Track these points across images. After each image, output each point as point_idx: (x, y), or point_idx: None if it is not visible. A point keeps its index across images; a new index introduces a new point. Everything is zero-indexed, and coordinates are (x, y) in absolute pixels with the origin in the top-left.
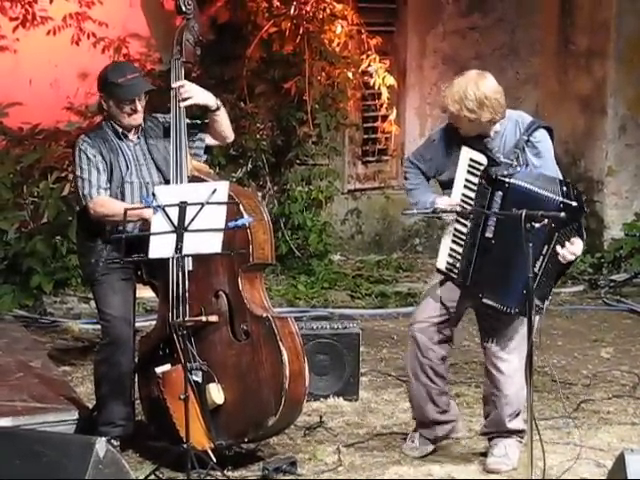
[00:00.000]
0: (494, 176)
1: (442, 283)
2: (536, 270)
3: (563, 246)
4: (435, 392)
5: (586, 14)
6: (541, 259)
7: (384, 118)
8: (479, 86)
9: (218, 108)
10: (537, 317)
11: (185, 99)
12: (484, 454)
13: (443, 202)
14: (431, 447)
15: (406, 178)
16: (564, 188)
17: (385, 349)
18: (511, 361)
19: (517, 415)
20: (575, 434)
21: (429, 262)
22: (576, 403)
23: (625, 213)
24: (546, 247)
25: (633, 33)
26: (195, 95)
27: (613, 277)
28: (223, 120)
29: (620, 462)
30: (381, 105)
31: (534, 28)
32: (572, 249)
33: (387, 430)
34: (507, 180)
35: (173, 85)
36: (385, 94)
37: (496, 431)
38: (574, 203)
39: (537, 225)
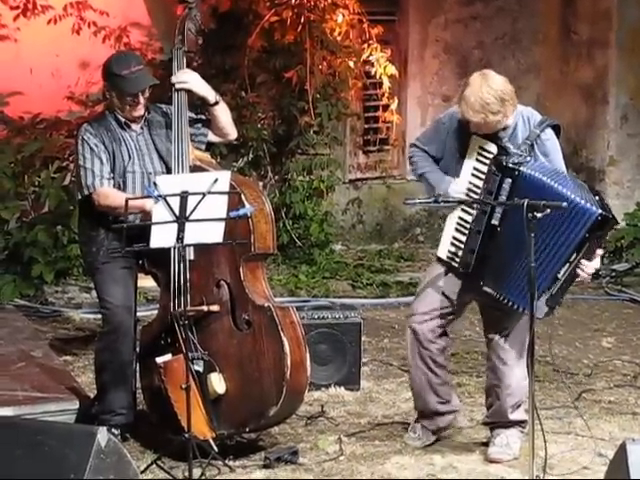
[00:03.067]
0: (504, 163)
1: (443, 274)
2: (559, 276)
3: (591, 255)
4: (436, 382)
5: (588, 3)
6: (567, 266)
7: (385, 107)
8: (491, 85)
9: (217, 103)
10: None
11: (181, 82)
12: (486, 444)
13: (455, 189)
14: (433, 438)
15: (412, 163)
16: (596, 197)
17: (386, 339)
18: (514, 352)
19: (519, 406)
20: (576, 424)
21: (430, 251)
22: (577, 393)
23: (627, 203)
24: (575, 255)
25: (635, 22)
26: (192, 82)
27: (614, 267)
28: (222, 116)
29: (622, 452)
30: (382, 94)
31: (536, 17)
32: (593, 264)
33: (388, 420)
34: (518, 168)
35: (175, 75)
36: (386, 83)
37: (498, 422)
38: (611, 215)
39: (539, 215)
